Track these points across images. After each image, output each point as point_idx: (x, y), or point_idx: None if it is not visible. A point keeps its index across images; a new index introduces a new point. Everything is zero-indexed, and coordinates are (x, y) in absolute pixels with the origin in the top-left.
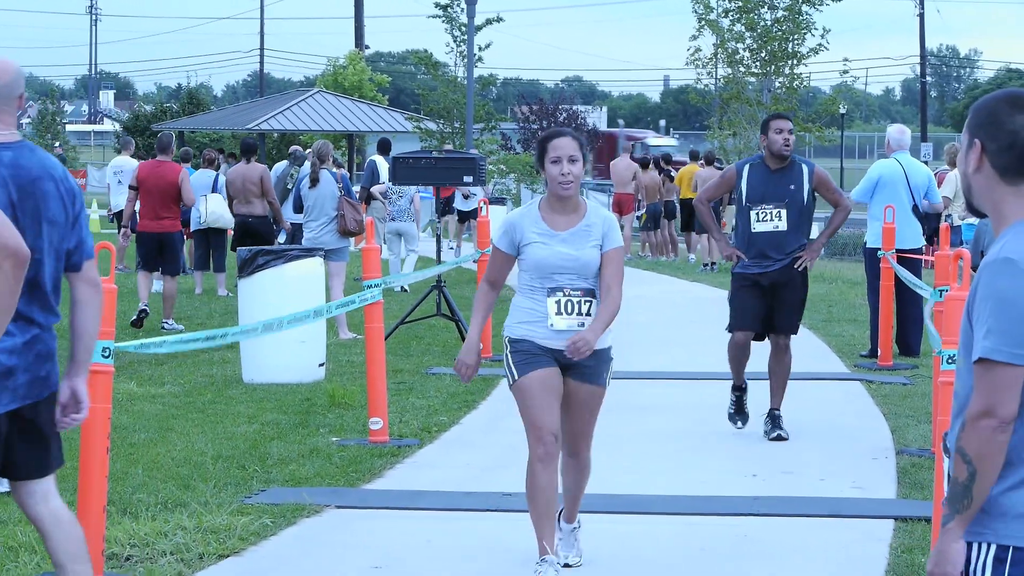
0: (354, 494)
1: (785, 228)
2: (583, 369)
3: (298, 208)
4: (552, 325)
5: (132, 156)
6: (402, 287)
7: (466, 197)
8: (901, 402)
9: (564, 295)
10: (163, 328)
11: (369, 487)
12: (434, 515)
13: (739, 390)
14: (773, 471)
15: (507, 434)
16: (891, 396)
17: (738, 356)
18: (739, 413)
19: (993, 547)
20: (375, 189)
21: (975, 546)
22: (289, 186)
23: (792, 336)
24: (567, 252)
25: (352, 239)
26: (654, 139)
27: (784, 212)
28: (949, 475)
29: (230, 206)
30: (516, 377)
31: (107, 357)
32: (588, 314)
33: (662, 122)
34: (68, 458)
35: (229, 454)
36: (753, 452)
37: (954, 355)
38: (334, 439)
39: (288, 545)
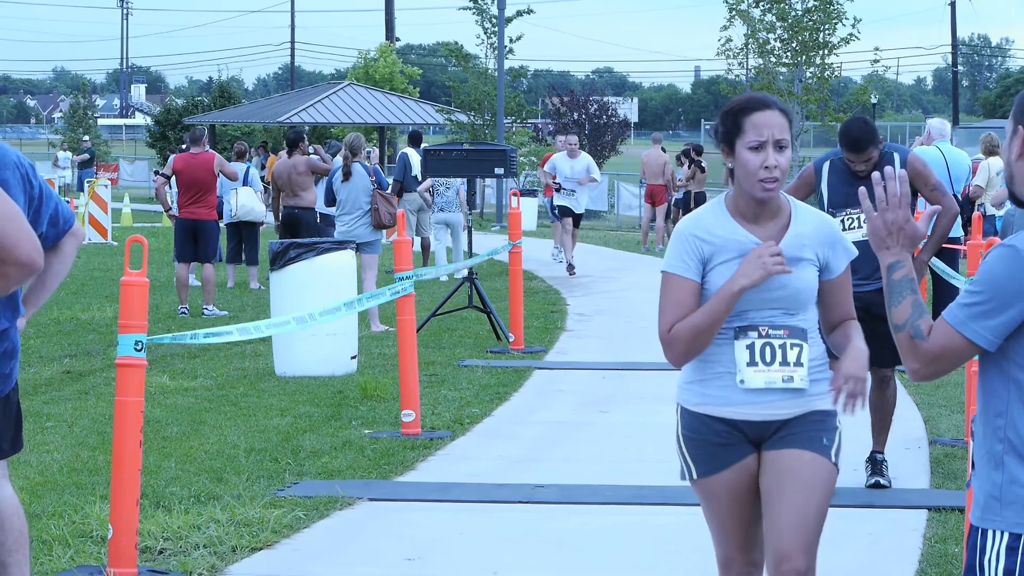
0: (387, 486)
1: None
2: (798, 434)
3: (330, 202)
4: (743, 382)
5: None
6: (450, 276)
7: (558, 189)
8: (934, 392)
9: (760, 336)
10: (204, 314)
11: (401, 479)
12: (466, 507)
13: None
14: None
15: (539, 426)
16: (924, 386)
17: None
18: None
19: (1006, 535)
20: (422, 186)
21: (989, 534)
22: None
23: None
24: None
25: (384, 232)
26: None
27: None
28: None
29: (276, 199)
30: (694, 475)
31: (140, 351)
32: (798, 364)
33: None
34: (101, 452)
35: (262, 447)
36: None
37: None
38: (366, 431)
39: (321, 538)
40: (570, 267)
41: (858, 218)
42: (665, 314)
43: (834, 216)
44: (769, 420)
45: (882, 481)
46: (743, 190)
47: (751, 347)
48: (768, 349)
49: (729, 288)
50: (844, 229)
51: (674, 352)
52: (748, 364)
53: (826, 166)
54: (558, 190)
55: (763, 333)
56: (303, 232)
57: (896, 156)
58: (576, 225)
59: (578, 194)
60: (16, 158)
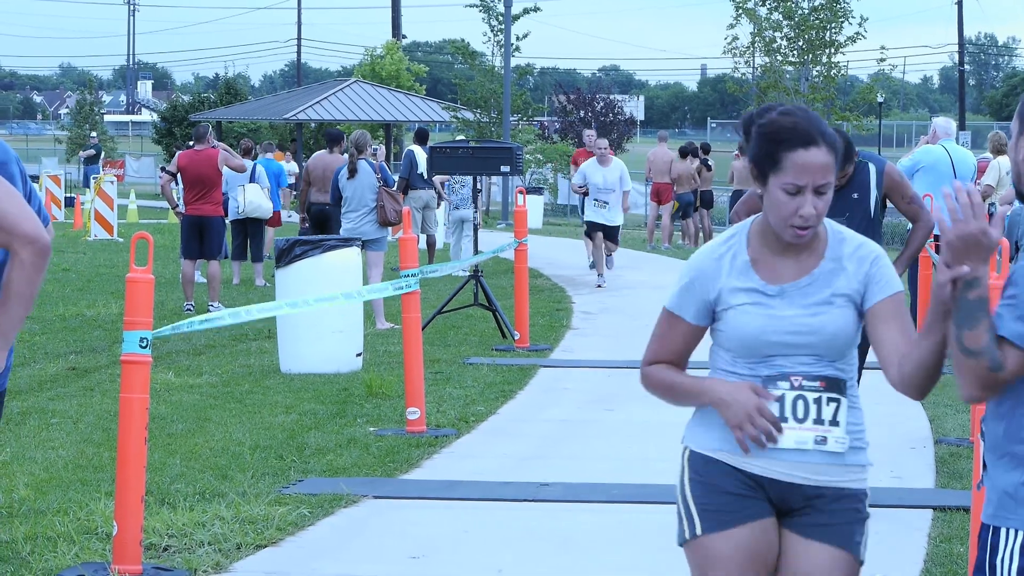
0: (392, 484)
1: None
2: (830, 525)
3: (336, 199)
4: None
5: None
6: (463, 271)
7: (597, 201)
8: (939, 391)
9: (793, 388)
10: (209, 311)
11: (406, 477)
12: (471, 505)
13: None
14: None
15: (544, 424)
16: None
17: None
18: None
19: (1021, 534)
20: (436, 180)
21: (1002, 532)
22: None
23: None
24: (798, 318)
25: (390, 229)
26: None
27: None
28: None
29: (305, 193)
30: (698, 531)
31: (144, 347)
32: (834, 422)
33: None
34: (106, 448)
35: (267, 444)
36: None
37: None
38: (371, 429)
39: (326, 535)
40: (600, 285)
41: None
42: (650, 345)
43: None
44: (797, 484)
45: None
46: (771, 224)
47: (781, 400)
48: (802, 403)
49: (707, 393)
50: None
51: (645, 387)
52: (780, 419)
53: None
54: (585, 195)
55: (795, 384)
56: (332, 228)
57: (872, 167)
58: (612, 240)
59: (612, 206)
60: (16, 155)
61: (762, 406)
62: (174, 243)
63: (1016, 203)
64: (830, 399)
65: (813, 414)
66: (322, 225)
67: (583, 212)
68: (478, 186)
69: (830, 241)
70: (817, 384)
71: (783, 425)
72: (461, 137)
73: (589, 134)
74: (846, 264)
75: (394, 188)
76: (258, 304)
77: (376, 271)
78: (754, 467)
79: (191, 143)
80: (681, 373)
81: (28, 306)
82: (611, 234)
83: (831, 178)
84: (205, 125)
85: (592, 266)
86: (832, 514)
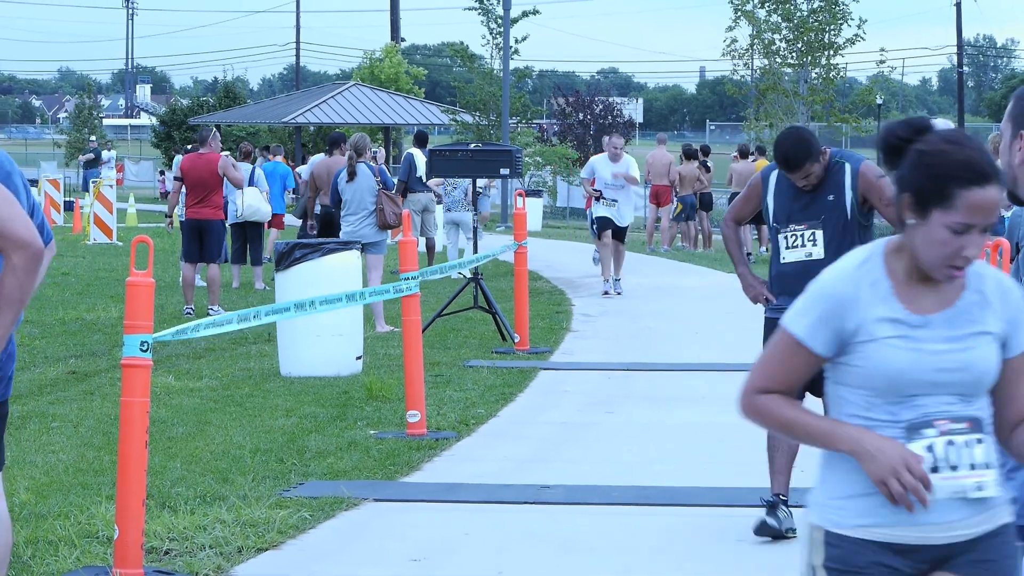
0: (392, 487)
1: (822, 256)
2: (992, 561)
3: (336, 202)
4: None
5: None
6: (461, 273)
7: (598, 198)
8: None
9: (940, 433)
10: (209, 315)
11: (407, 480)
12: (472, 508)
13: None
14: (804, 460)
15: (545, 427)
16: None
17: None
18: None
19: None
20: (432, 182)
21: None
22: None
23: None
24: (949, 353)
25: (389, 232)
26: None
27: (819, 234)
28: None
29: (313, 198)
30: None
31: (145, 351)
32: (985, 466)
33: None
34: (107, 452)
35: (267, 447)
36: None
37: None
38: (372, 432)
39: (326, 538)
40: (607, 292)
41: (802, 235)
42: (763, 369)
43: (778, 233)
44: (955, 542)
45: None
46: (920, 258)
47: (931, 449)
48: (953, 451)
49: (847, 442)
50: (787, 247)
51: (749, 417)
52: (931, 470)
53: (774, 176)
54: (598, 198)
55: (943, 430)
56: (338, 231)
57: (847, 167)
58: (620, 239)
59: (620, 204)
60: (18, 168)
61: (911, 460)
62: (173, 247)
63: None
64: (977, 441)
65: (967, 459)
66: (329, 228)
67: (592, 224)
68: (478, 189)
69: (968, 270)
70: (964, 426)
71: (938, 476)
72: (474, 144)
73: (606, 140)
74: (991, 298)
75: (393, 191)
76: (265, 306)
77: (376, 274)
78: (912, 537)
79: (189, 147)
80: (805, 410)
81: (18, 311)
82: (619, 234)
83: (997, 213)
84: (209, 128)
85: (596, 260)
86: (990, 550)
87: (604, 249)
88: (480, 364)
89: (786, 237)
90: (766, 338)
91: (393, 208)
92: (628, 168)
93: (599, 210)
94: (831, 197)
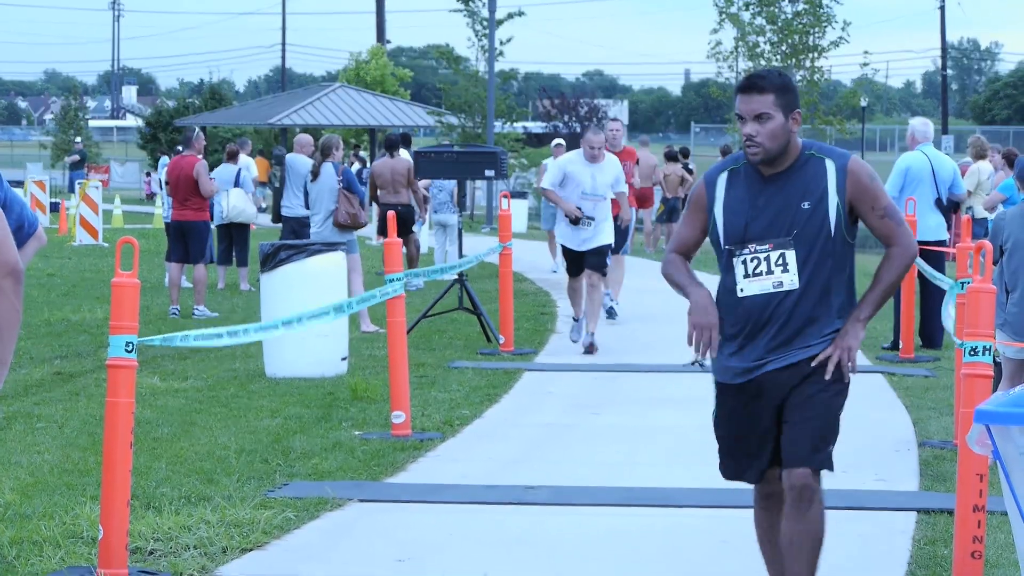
0: (377, 488)
1: (795, 285)
2: None
3: (305, 203)
4: None
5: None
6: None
7: (576, 222)
8: (923, 394)
9: None
10: (194, 314)
11: (392, 481)
12: (457, 508)
13: None
14: None
15: (530, 428)
16: (913, 388)
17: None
18: None
19: None
20: (420, 183)
21: None
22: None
23: (818, 473)
24: None
25: (354, 232)
26: None
27: (791, 256)
28: None
29: (374, 196)
30: None
31: (130, 352)
32: None
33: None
34: (92, 453)
35: (252, 448)
36: None
37: (976, 347)
38: (357, 433)
39: (311, 539)
40: (591, 346)
41: (767, 258)
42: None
43: (732, 256)
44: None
45: None
46: None
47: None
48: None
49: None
50: (745, 275)
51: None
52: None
53: (722, 180)
54: (576, 221)
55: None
56: (403, 226)
57: (828, 163)
58: (599, 271)
59: (599, 221)
60: None
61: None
62: (159, 248)
63: (1000, 207)
64: None
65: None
66: (399, 224)
67: (546, 222)
68: (463, 190)
69: None
70: None
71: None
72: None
73: (592, 139)
74: None
75: (363, 193)
76: (255, 324)
77: (355, 276)
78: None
79: (180, 148)
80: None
81: (16, 333)
82: (600, 261)
83: None
84: (193, 128)
85: (576, 327)
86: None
87: (574, 294)
88: (465, 365)
89: (744, 262)
90: (715, 406)
91: (347, 208)
92: (617, 180)
93: (565, 235)
94: (806, 204)
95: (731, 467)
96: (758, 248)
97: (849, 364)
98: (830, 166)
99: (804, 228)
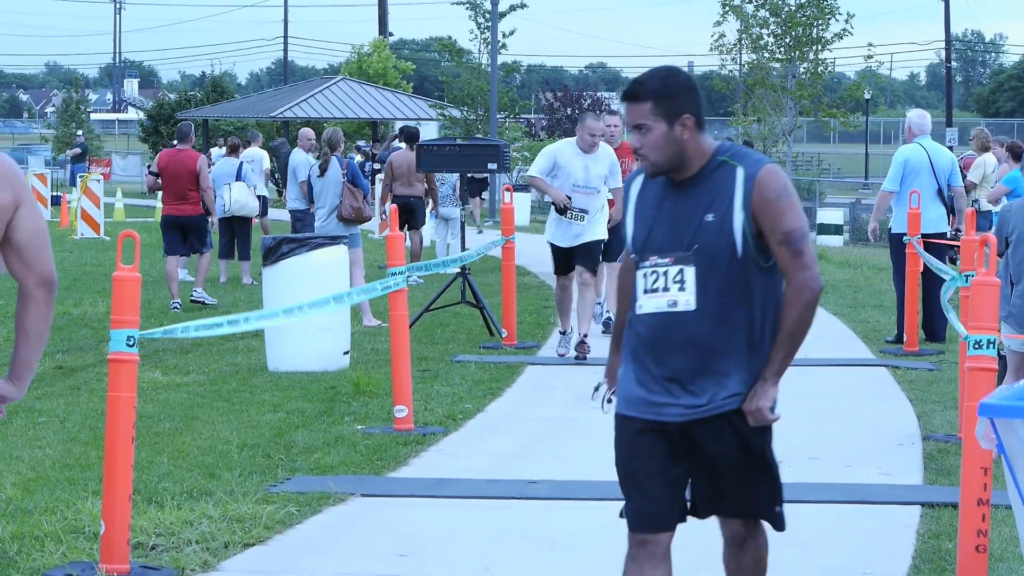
0: (379, 482)
1: (692, 307)
2: None
3: (309, 197)
4: None
5: (260, 147)
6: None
7: (563, 211)
8: (927, 388)
9: None
10: (192, 297)
11: (394, 475)
12: (459, 503)
13: None
14: (798, 457)
15: (532, 422)
16: (917, 382)
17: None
18: None
19: None
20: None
21: None
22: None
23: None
24: None
25: (359, 226)
26: None
27: (689, 273)
28: None
29: (389, 188)
30: None
31: (132, 346)
32: None
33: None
34: (93, 447)
35: (254, 443)
36: (778, 439)
37: (980, 340)
38: (359, 427)
39: (314, 533)
40: (581, 344)
41: (665, 273)
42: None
43: (638, 268)
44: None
45: None
46: None
47: None
48: None
49: None
50: (644, 290)
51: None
52: None
53: (637, 183)
54: (564, 211)
55: None
56: (413, 219)
57: (739, 171)
58: (592, 269)
59: (591, 215)
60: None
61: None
62: (160, 241)
63: (1005, 200)
64: None
65: None
66: (405, 217)
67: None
68: (465, 184)
69: None
70: None
71: None
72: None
73: (591, 126)
74: None
75: (367, 187)
76: (255, 312)
77: (356, 269)
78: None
79: (175, 142)
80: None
81: (44, 343)
82: (590, 260)
83: None
84: (188, 124)
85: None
86: None
87: (564, 299)
88: (467, 359)
89: (645, 275)
90: (615, 442)
91: (351, 202)
92: (611, 170)
93: (555, 232)
94: (710, 217)
95: (634, 519)
96: (659, 261)
97: (769, 417)
98: (739, 174)
99: (705, 243)
